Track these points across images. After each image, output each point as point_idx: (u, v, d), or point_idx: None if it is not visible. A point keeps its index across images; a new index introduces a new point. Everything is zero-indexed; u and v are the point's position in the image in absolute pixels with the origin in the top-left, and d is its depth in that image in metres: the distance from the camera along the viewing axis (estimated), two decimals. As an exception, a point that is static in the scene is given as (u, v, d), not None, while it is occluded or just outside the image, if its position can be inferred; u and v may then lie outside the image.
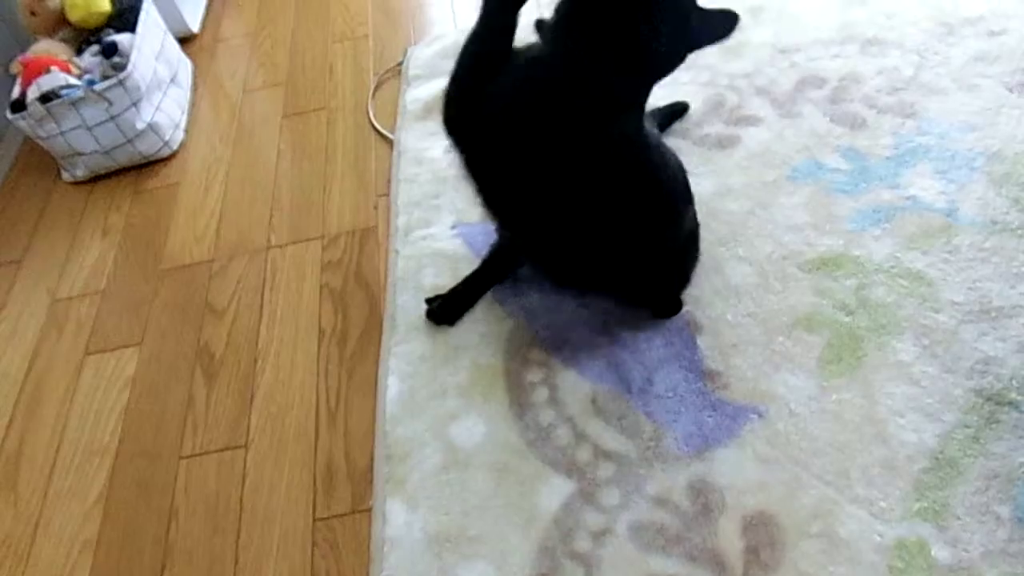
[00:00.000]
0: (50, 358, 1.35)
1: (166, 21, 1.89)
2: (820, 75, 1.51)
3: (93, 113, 1.59)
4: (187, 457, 1.16)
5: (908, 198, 1.26)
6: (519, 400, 1.08)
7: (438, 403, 1.09)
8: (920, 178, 1.29)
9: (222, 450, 1.16)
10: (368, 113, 1.67)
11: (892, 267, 1.17)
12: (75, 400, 1.27)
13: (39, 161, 1.75)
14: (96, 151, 1.64)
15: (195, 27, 2.09)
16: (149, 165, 1.69)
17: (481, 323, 1.18)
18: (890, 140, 1.36)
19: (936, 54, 1.53)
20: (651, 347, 1.12)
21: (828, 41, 1.59)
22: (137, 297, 1.42)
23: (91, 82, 1.62)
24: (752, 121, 1.43)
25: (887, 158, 1.33)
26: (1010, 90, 1.43)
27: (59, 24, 1.79)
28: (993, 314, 1.10)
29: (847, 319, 1.12)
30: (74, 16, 1.77)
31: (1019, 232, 1.19)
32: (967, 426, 0.99)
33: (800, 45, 1.57)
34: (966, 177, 1.28)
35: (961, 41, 1.55)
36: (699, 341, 1.12)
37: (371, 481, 1.05)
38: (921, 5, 1.65)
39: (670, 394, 1.07)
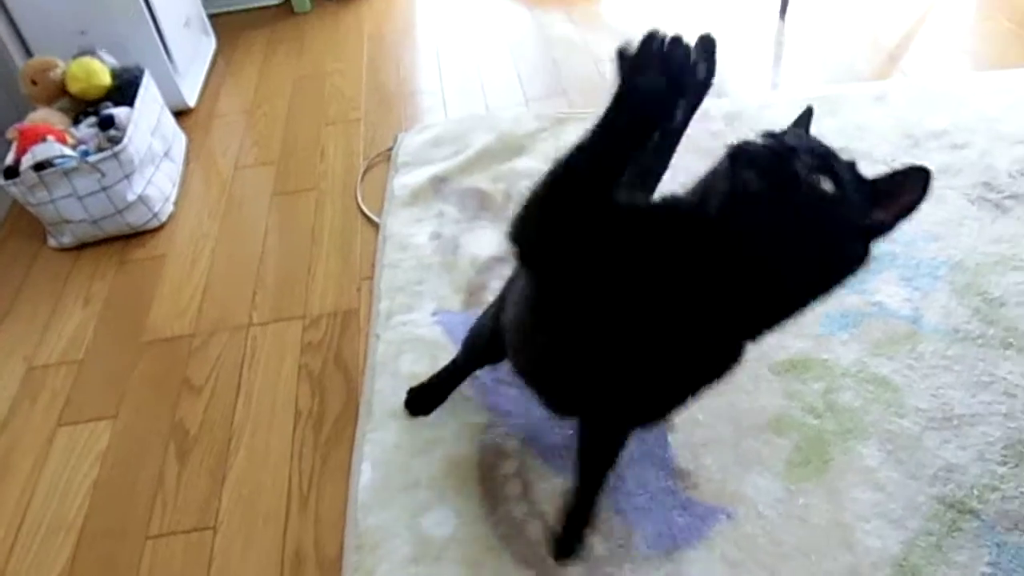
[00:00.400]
0: (21, 427, 1.34)
1: (164, 95, 1.94)
2: (792, 181, 1.57)
3: (85, 183, 1.62)
4: (154, 537, 1.14)
5: (875, 304, 1.31)
6: (492, 493, 1.09)
7: (411, 493, 1.10)
8: (886, 285, 1.34)
9: (190, 531, 1.14)
10: (356, 196, 1.71)
11: (859, 372, 1.21)
12: (43, 473, 1.26)
13: (27, 225, 1.77)
14: (85, 220, 1.66)
15: (192, 102, 2.14)
16: (136, 236, 1.71)
17: (457, 414, 1.19)
18: (858, 247, 1.42)
19: (903, 165, 1.60)
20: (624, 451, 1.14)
21: (801, 148, 1.66)
22: (115, 369, 1.42)
23: (86, 153, 1.65)
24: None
25: (855, 264, 1.38)
26: (971, 202, 1.50)
27: (58, 94, 1.83)
28: (955, 422, 1.13)
29: (815, 422, 1.14)
30: (74, 88, 1.82)
31: (979, 342, 1.24)
32: (930, 534, 1.01)
33: (774, 151, 1.65)
34: (930, 285, 1.34)
35: (926, 154, 1.63)
36: (671, 439, 1.14)
37: (340, 570, 1.05)
38: (889, 118, 1.74)
39: (641, 491, 1.08)
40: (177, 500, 1.18)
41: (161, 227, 1.73)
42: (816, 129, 1.73)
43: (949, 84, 1.85)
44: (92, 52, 1.89)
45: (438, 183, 1.66)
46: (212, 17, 2.48)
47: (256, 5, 2.70)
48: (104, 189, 1.63)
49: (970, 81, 1.86)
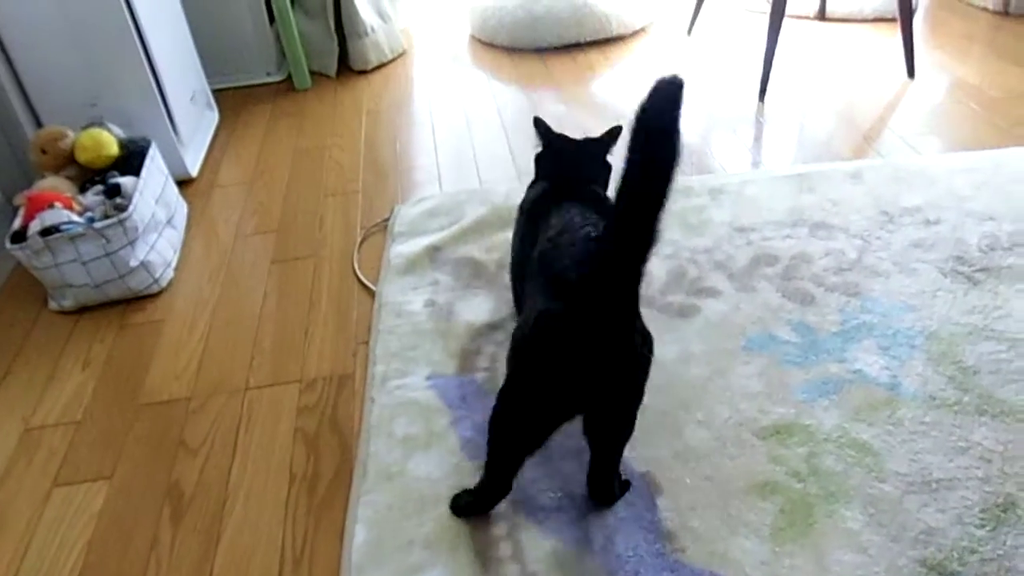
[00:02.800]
0: (16, 487, 1.35)
1: (168, 164, 2.00)
2: (773, 253, 1.64)
3: (89, 249, 1.66)
4: (146, 599, 1.15)
5: (854, 372, 1.36)
6: (484, 554, 1.11)
7: (404, 554, 1.11)
8: (865, 353, 1.40)
9: (183, 593, 1.15)
10: (353, 264, 1.77)
11: (840, 437, 1.25)
12: (37, 532, 1.26)
13: (28, 287, 1.80)
14: (87, 284, 1.70)
15: (194, 171, 2.22)
16: (137, 300, 1.75)
17: (451, 476, 1.22)
18: (837, 316, 1.48)
19: (878, 239, 1.68)
20: (613, 506, 1.16)
21: (780, 223, 1.74)
22: (112, 430, 1.44)
23: (91, 219, 1.71)
24: (711, 293, 1.54)
25: (834, 333, 1.44)
26: (944, 275, 1.57)
27: (66, 162, 1.89)
28: (934, 486, 1.17)
29: (799, 486, 1.18)
30: (83, 157, 1.88)
31: (955, 408, 1.28)
32: (912, 597, 1.04)
33: (755, 225, 1.72)
34: (907, 354, 1.39)
35: (900, 228, 1.71)
36: (659, 502, 1.16)
37: (332, 632, 1.05)
38: (864, 194, 1.82)
39: (630, 554, 1.10)
40: (171, 561, 1.19)
41: (161, 292, 1.77)
42: (794, 204, 1.82)
43: (921, 163, 1.95)
44: (101, 123, 1.96)
45: (433, 252, 1.72)
46: (216, 92, 2.58)
47: (258, 81, 2.81)
48: (108, 255, 1.68)
49: (941, 161, 1.95)
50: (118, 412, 1.47)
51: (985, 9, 2.92)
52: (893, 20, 2.67)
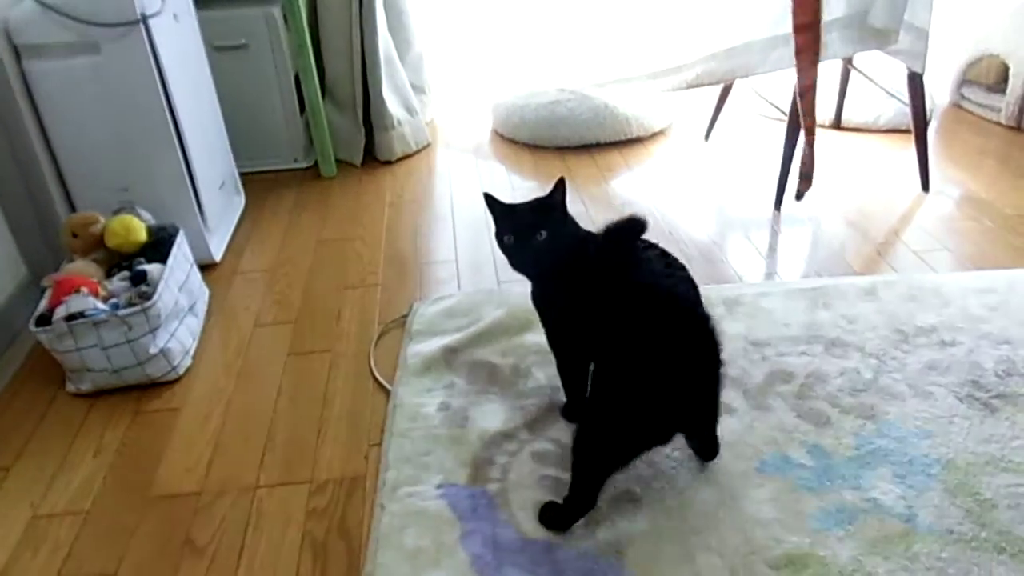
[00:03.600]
0: (18, 581, 1.34)
1: (193, 249, 2.04)
2: (789, 370, 1.65)
3: (112, 335, 1.69)
4: None
5: (869, 500, 1.35)
6: None
7: (408, 678, 1.09)
8: (881, 481, 1.38)
9: None
10: (370, 361, 1.78)
11: (855, 571, 1.22)
12: (36, 632, 1.25)
13: (46, 368, 1.82)
14: (106, 369, 1.72)
15: (218, 256, 2.26)
16: (153, 387, 1.77)
17: (458, 593, 1.20)
18: (852, 440, 1.47)
19: (893, 359, 1.68)
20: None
21: (796, 339, 1.75)
22: (120, 522, 1.43)
23: (116, 306, 1.74)
24: (726, 410, 1.54)
25: (849, 458, 1.43)
26: (960, 400, 1.56)
27: (96, 247, 1.94)
28: (953, 628, 1.14)
29: (813, 622, 1.15)
30: (112, 242, 1.93)
31: (973, 544, 1.26)
32: None
33: (771, 340, 1.73)
34: (923, 484, 1.38)
35: (915, 349, 1.71)
36: (669, 633, 1.14)
37: None
38: (879, 312, 1.83)
39: None
40: (170, 671, 1.17)
41: (178, 380, 1.79)
42: (810, 320, 1.83)
43: (935, 281, 1.96)
44: (132, 209, 2.02)
45: (449, 354, 1.74)
46: (244, 175, 2.65)
47: (286, 167, 2.89)
48: (129, 342, 1.70)
49: (955, 280, 1.97)
50: (127, 504, 1.47)
51: (998, 123, 2.99)
52: (907, 131, 2.73)
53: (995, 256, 2.11)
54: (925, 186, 2.50)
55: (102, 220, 1.95)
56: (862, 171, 2.70)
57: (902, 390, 1.59)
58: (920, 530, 1.29)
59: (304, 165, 2.90)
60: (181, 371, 1.80)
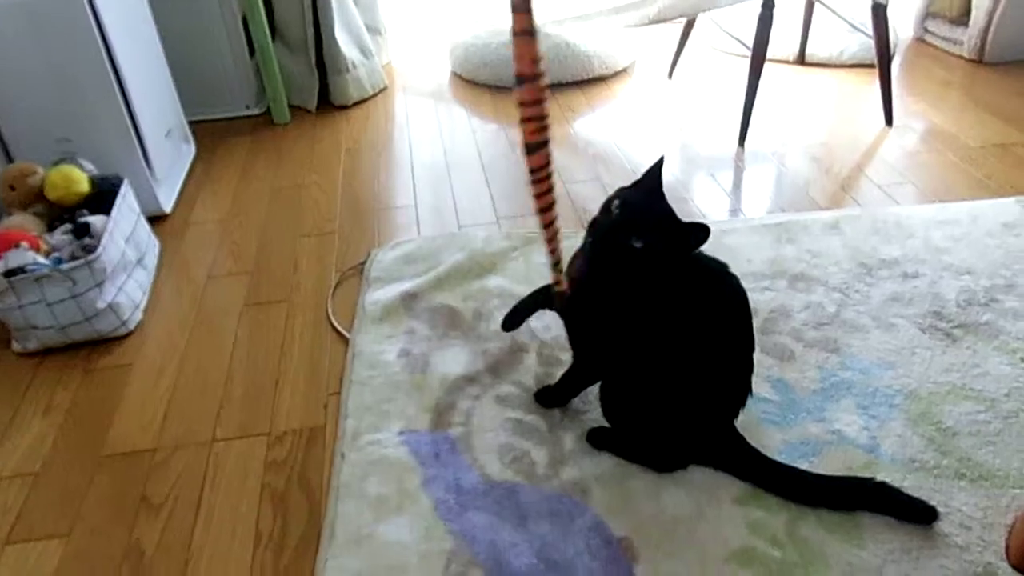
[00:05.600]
0: (-34, 545, 1.30)
1: (140, 201, 1.96)
2: (753, 306, 1.62)
3: (55, 291, 1.62)
4: (99, 669, 1.10)
5: (833, 433, 1.34)
6: (454, 626, 1.07)
7: (371, 625, 1.08)
8: (845, 413, 1.38)
9: (138, 663, 1.10)
10: (327, 310, 1.73)
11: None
12: (-13, 595, 1.21)
13: (-10, 329, 1.75)
14: (52, 327, 1.65)
15: (168, 208, 2.18)
16: (103, 343, 1.70)
17: (421, 541, 1.18)
18: (816, 374, 1.47)
19: (857, 292, 1.67)
20: (589, 574, 1.13)
21: (760, 274, 1.73)
22: (72, 483, 1.38)
23: (58, 260, 1.66)
24: (690, 347, 1.52)
25: (813, 391, 1.43)
26: (923, 331, 1.56)
27: (35, 199, 1.86)
28: (914, 554, 1.15)
29: (777, 554, 1.15)
30: (52, 195, 1.84)
31: (935, 472, 1.27)
32: (893, 674, 1.01)
33: (735, 276, 1.71)
34: (886, 414, 1.38)
35: (879, 282, 1.70)
36: (636, 570, 1.13)
37: None
38: (843, 246, 1.82)
39: (605, 626, 1.07)
40: (127, 628, 1.14)
41: (129, 335, 1.73)
42: (774, 255, 1.81)
43: (899, 214, 1.95)
44: (72, 159, 1.93)
45: (409, 300, 1.70)
46: (193, 124, 2.55)
47: (237, 115, 2.78)
48: (74, 297, 1.63)
49: (918, 212, 1.96)
50: (78, 464, 1.42)
51: (961, 57, 2.97)
52: (871, 66, 2.70)
53: (958, 189, 2.10)
54: (889, 120, 2.48)
55: (41, 171, 1.86)
56: (826, 106, 2.67)
57: (865, 323, 1.59)
58: (883, 460, 1.29)
59: (256, 112, 2.79)
60: (132, 326, 1.74)
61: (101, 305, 1.67)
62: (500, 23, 3.08)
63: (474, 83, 2.98)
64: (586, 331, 1.30)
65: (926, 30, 3.14)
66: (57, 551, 1.27)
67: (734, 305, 1.25)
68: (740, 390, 1.27)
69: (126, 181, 1.90)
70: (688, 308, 1.21)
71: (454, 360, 1.53)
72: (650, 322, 1.21)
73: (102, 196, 1.86)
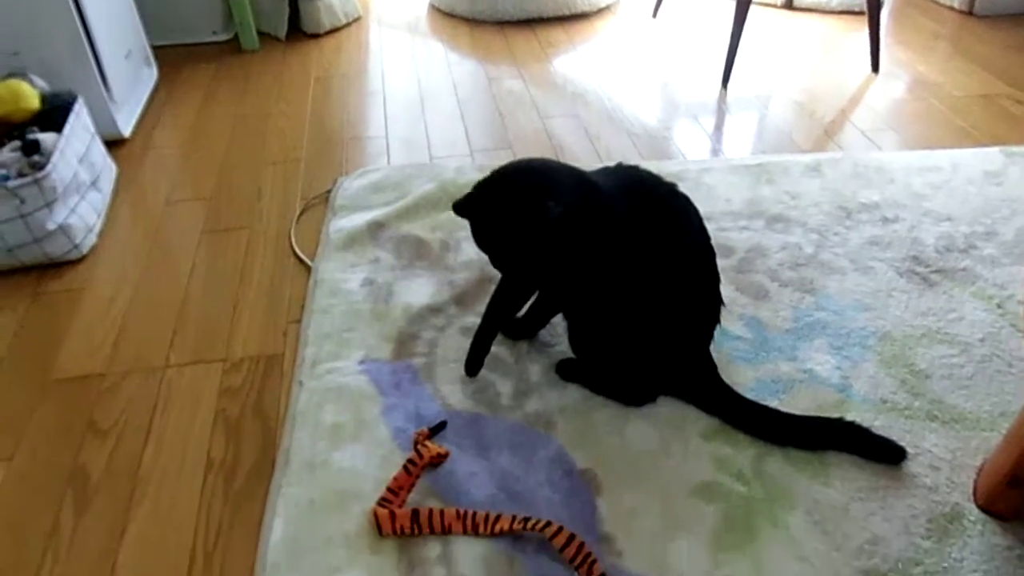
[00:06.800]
0: (-96, 467, 1.24)
1: (97, 123, 1.87)
2: (729, 245, 1.59)
3: (2, 209, 1.54)
4: (39, 594, 1.05)
5: (805, 371, 1.32)
6: (409, 555, 1.03)
7: (323, 553, 1.04)
8: (817, 353, 1.35)
9: (80, 588, 1.06)
10: (290, 238, 1.67)
11: (788, 439, 1.20)
12: (-76, 518, 1.16)
13: (-65, 250, 1.67)
14: (-1, 248, 1.58)
15: (127, 132, 2.08)
16: (54, 267, 1.63)
17: (378, 469, 1.14)
18: (790, 313, 1.43)
19: (835, 235, 1.64)
20: (550, 506, 1.10)
21: (737, 214, 1.69)
22: (16, 407, 1.33)
23: (5, 177, 1.58)
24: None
25: (787, 331, 1.39)
26: (900, 275, 1.53)
27: (-18, 116, 1.76)
28: (881, 493, 1.13)
29: (743, 489, 1.13)
30: (0, 110, 1.74)
31: (906, 412, 1.25)
32: (854, 609, 0.99)
33: (712, 215, 1.67)
34: (859, 355, 1.35)
35: (858, 225, 1.67)
36: (598, 502, 1.10)
37: (240, 636, 0.98)
38: (823, 188, 1.78)
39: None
40: (70, 553, 1.09)
41: (82, 259, 1.65)
42: (752, 195, 1.77)
43: (881, 160, 1.91)
44: (23, 74, 1.83)
45: (375, 229, 1.63)
46: (156, 48, 2.44)
47: (203, 40, 2.66)
48: (23, 216, 1.55)
49: (901, 158, 1.92)
50: (24, 388, 1.36)
51: (951, 8, 2.91)
52: (860, 13, 2.64)
53: (941, 137, 2.06)
54: (875, 67, 2.42)
55: (-13, 85, 1.76)
56: (812, 52, 2.60)
57: (843, 265, 1.55)
58: (854, 399, 1.27)
59: (223, 38, 2.68)
60: (85, 250, 1.66)
61: (51, 226, 1.59)
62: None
63: (451, 15, 2.88)
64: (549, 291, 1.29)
65: (917, -21, 3.08)
66: (-1, 474, 1.21)
67: (686, 222, 1.20)
68: (709, 309, 1.23)
69: (80, 99, 1.81)
70: (642, 236, 1.16)
71: (419, 290, 1.48)
72: (607, 260, 1.16)
73: (54, 114, 1.76)
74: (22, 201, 1.54)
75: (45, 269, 1.63)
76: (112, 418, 1.29)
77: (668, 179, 1.22)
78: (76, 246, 1.64)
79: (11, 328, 1.49)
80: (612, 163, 1.27)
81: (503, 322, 1.32)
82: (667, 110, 2.24)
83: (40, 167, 1.59)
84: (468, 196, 1.18)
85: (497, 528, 1.05)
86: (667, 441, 1.19)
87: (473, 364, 1.28)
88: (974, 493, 1.13)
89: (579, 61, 2.52)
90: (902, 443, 1.18)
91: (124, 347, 1.43)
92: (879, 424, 1.22)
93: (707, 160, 1.94)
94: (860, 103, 2.25)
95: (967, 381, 1.30)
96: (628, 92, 2.31)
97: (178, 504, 1.15)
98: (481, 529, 1.05)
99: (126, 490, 1.18)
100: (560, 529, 1.02)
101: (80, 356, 1.42)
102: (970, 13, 2.85)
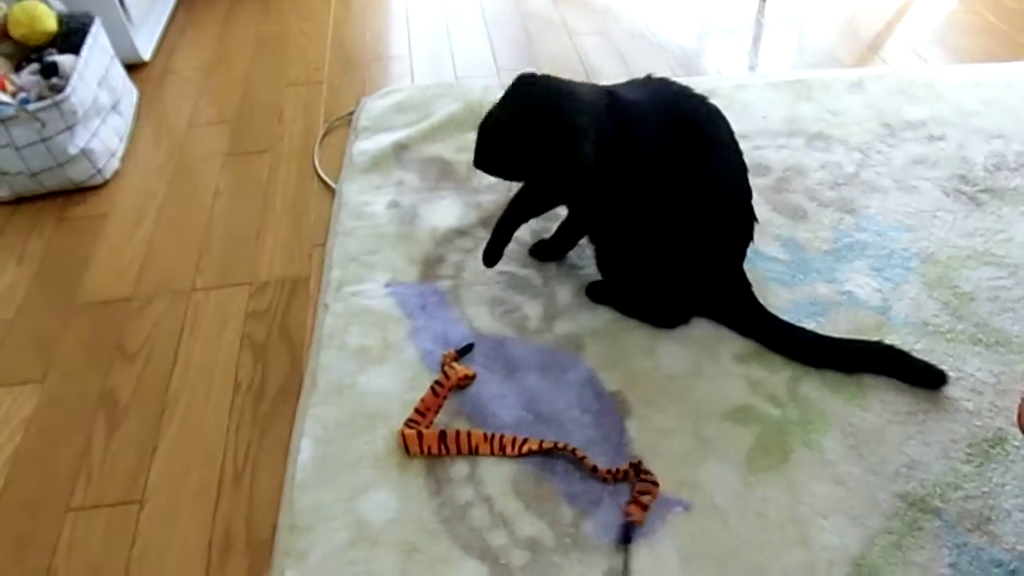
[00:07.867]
0: (-60, 388, 1.26)
1: (116, 47, 1.83)
2: (765, 164, 1.53)
3: (23, 133, 1.52)
4: (75, 510, 1.07)
5: (844, 293, 1.27)
6: (436, 475, 1.03)
7: (351, 472, 1.04)
8: (856, 274, 1.30)
9: (115, 505, 1.07)
10: (313, 160, 1.63)
11: (822, 361, 1.17)
12: (-40, 438, 1.18)
13: (-39, 177, 1.66)
14: (23, 172, 1.56)
15: (146, 55, 2.04)
16: (78, 192, 1.62)
17: (406, 391, 1.13)
18: (829, 234, 1.38)
19: (878, 153, 1.57)
20: (579, 427, 1.08)
21: (775, 132, 1.62)
22: (46, 331, 1.33)
23: (25, 101, 1.56)
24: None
25: (825, 252, 1.34)
26: (946, 194, 1.47)
27: (0, 38, 1.73)
28: (920, 417, 1.10)
29: (776, 412, 1.10)
30: (17, 32, 1.71)
31: (948, 336, 1.20)
32: (890, 532, 0.97)
33: (748, 133, 1.60)
34: (901, 277, 1.30)
35: (902, 143, 1.59)
36: (627, 424, 1.09)
37: (271, 553, 0.98)
38: (866, 106, 1.70)
39: (593, 478, 1.03)
40: (103, 472, 1.11)
41: (105, 184, 1.64)
42: (790, 113, 1.70)
43: (928, 75, 1.81)
44: (38, -5, 1.78)
45: (399, 150, 1.59)
46: (176, -33, 2.37)
47: (222, -41, 2.58)
48: (44, 140, 1.53)
49: (949, 74, 1.82)
50: (53, 312, 1.36)
51: (1007, -88, 2.72)
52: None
53: (994, 51, 1.95)
54: (925, -23, 2.29)
55: (4, 6, 1.72)
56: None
57: (885, 184, 1.49)
58: (894, 322, 1.22)
59: (243, -44, 2.59)
60: (108, 174, 1.64)
61: (73, 150, 1.57)
62: None
63: (478, -69, 2.75)
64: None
65: None
66: (32, 396, 1.23)
67: (716, 135, 1.15)
68: (742, 225, 1.19)
69: (98, 20, 1.76)
70: (670, 150, 1.11)
71: (446, 212, 1.44)
72: (635, 177, 1.12)
73: (71, 35, 1.73)
74: (43, 124, 1.52)
75: (70, 194, 1.62)
76: (140, 341, 1.29)
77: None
78: (99, 171, 1.62)
79: (38, 254, 1.49)
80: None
81: (525, 219, 1.28)
82: (702, 26, 2.14)
83: (59, 89, 1.56)
84: (484, 146, 1.12)
85: (525, 448, 1.04)
86: (699, 363, 1.16)
87: (491, 254, 1.25)
88: (1018, 418, 1.09)
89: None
90: (943, 367, 1.14)
91: (150, 271, 1.42)
92: (920, 348, 1.18)
93: (743, 76, 1.86)
94: (908, 16, 2.13)
95: (1014, 304, 1.25)
96: (661, 7, 2.21)
97: (207, 425, 1.15)
98: (509, 451, 1.04)
99: (155, 412, 1.18)
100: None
101: (107, 280, 1.41)
102: (1029, -82, 2.67)
